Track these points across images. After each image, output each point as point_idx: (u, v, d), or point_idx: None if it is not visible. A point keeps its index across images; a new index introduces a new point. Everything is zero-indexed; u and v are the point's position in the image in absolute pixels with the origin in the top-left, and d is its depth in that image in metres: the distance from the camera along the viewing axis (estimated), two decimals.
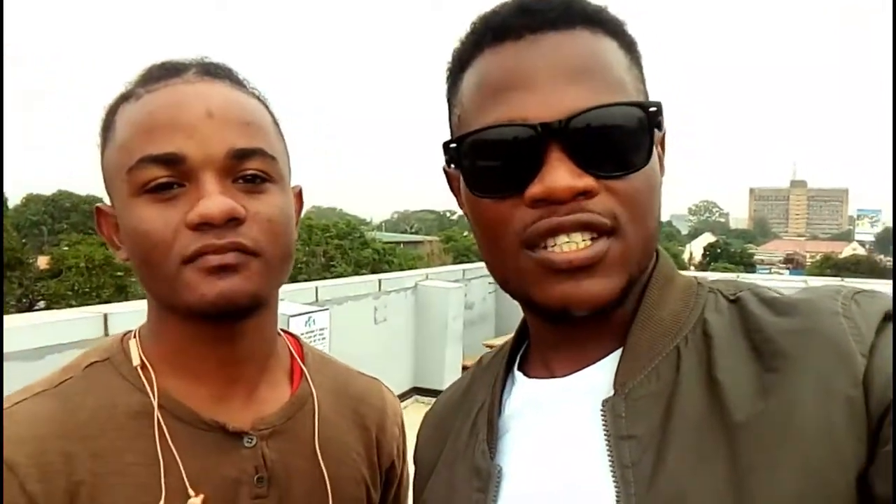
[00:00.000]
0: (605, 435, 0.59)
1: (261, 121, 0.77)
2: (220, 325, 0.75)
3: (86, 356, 0.80)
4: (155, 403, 0.75)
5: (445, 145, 0.67)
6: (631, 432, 0.58)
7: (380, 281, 6.48)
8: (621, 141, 0.59)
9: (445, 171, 0.73)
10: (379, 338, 6.15)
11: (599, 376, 0.63)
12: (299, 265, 22.49)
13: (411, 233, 71.70)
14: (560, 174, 0.57)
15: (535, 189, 0.58)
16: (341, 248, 24.27)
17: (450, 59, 0.69)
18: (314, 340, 4.54)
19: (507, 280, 0.65)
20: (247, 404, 0.81)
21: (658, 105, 0.61)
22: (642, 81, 0.65)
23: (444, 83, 0.70)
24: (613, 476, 0.57)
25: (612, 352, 0.64)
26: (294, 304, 4.76)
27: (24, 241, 27.07)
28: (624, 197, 0.59)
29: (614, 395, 0.60)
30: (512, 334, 0.79)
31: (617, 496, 0.56)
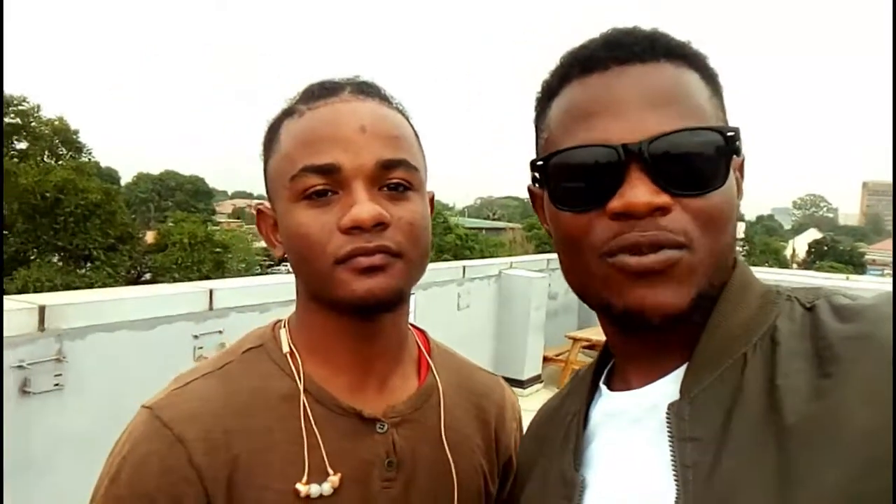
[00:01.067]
0: (668, 437, 0.62)
1: (406, 134, 0.85)
2: (364, 320, 0.83)
3: (242, 342, 0.90)
4: (301, 388, 0.83)
5: (533, 163, 0.71)
6: (693, 434, 0.61)
7: (464, 267, 6.53)
8: (698, 163, 0.63)
9: (530, 190, 0.79)
10: (462, 324, 6.20)
11: (671, 387, 0.66)
12: None
13: (494, 219, 71.31)
14: (640, 191, 0.61)
15: (615, 203, 0.62)
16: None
17: (539, 89, 0.75)
18: None
19: (585, 288, 0.69)
20: (380, 393, 0.88)
21: (735, 130, 0.65)
22: (722, 110, 0.69)
23: (533, 111, 0.76)
24: (675, 476, 0.60)
25: (683, 363, 0.66)
26: None
27: (133, 216, 29.01)
28: (698, 215, 0.63)
29: (680, 399, 0.63)
30: (593, 327, 0.83)
31: (677, 495, 0.59)
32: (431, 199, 0.92)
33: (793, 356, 0.59)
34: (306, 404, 0.82)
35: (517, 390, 5.68)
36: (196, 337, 3.76)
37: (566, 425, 0.78)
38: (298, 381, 0.83)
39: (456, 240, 25.84)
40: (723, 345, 0.64)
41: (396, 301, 0.82)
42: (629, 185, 0.62)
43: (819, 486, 0.52)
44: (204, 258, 21.77)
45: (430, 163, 0.91)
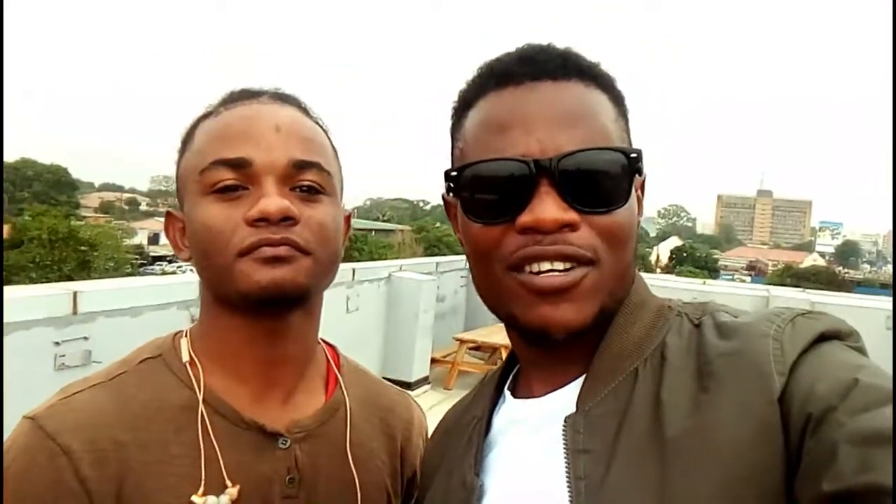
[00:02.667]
0: (564, 448, 0.64)
1: (321, 141, 0.86)
2: (267, 319, 0.82)
3: (140, 351, 0.86)
4: (200, 399, 0.80)
5: (447, 174, 0.73)
6: (587, 447, 0.63)
7: (354, 270, 6.44)
8: (604, 181, 0.66)
9: (444, 199, 0.79)
10: (351, 327, 6.13)
11: (569, 397, 0.68)
12: None
13: (383, 220, 71.43)
14: (548, 207, 0.64)
15: (524, 218, 0.65)
16: None
17: (455, 98, 0.76)
18: None
19: (493, 300, 0.71)
20: (283, 407, 0.86)
21: (638, 152, 0.68)
22: (627, 132, 0.72)
23: (450, 120, 0.77)
24: (569, 487, 0.62)
25: (583, 374, 0.69)
26: None
27: None
28: (603, 231, 0.65)
29: (575, 412, 0.66)
30: (479, 328, 0.85)
31: None
32: (348, 218, 0.93)
33: (678, 372, 0.63)
34: (205, 415, 0.80)
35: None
36: (57, 344, 3.44)
37: (469, 430, 0.79)
38: (198, 392, 0.81)
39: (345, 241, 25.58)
40: (617, 360, 0.67)
41: (300, 297, 0.80)
42: (538, 200, 0.64)
43: (693, 497, 0.55)
44: (67, 256, 20.19)
45: None
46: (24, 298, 3.46)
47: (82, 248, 20.19)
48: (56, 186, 51.52)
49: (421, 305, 6.82)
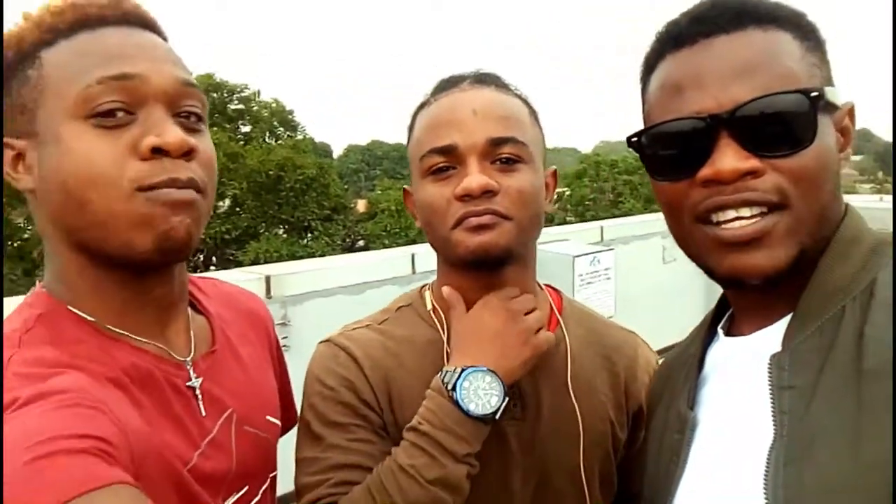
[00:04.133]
0: (769, 384, 0.67)
1: (517, 115, 0.98)
2: (484, 275, 0.97)
3: (397, 302, 1.10)
4: (444, 337, 1.01)
5: (628, 139, 0.78)
6: (791, 383, 0.65)
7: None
8: (784, 124, 0.66)
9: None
10: (667, 278, 5.88)
11: (776, 335, 0.70)
12: (587, 202, 22.37)
13: None
14: (727, 158, 0.66)
15: (705, 171, 0.68)
16: (630, 184, 23.43)
17: (642, 63, 0.80)
18: (599, 281, 4.51)
19: (689, 251, 0.76)
20: None
21: (819, 90, 0.67)
22: (820, 66, 0.71)
23: (639, 83, 0.82)
24: (774, 421, 0.65)
25: (790, 313, 0.70)
26: (579, 243, 4.76)
27: (346, 187, 31.47)
28: (790, 174, 0.66)
29: (781, 350, 0.68)
30: None
31: (773, 438, 0.65)
32: (553, 174, 1.05)
33: (885, 307, 0.62)
34: (446, 346, 0.99)
35: None
36: None
37: (687, 367, 0.84)
38: (441, 331, 1.01)
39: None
40: (825, 298, 0.67)
41: (506, 257, 0.94)
42: (718, 153, 0.66)
43: (887, 424, 0.56)
44: (411, 223, 22.95)
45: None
46: (375, 262, 4.06)
47: None
48: (400, 162, 59.00)
49: None
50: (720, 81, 0.68)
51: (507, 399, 0.89)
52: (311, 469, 0.93)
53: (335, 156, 57.45)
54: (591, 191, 22.63)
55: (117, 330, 0.78)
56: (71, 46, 0.75)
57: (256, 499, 0.89)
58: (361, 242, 23.73)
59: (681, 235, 0.75)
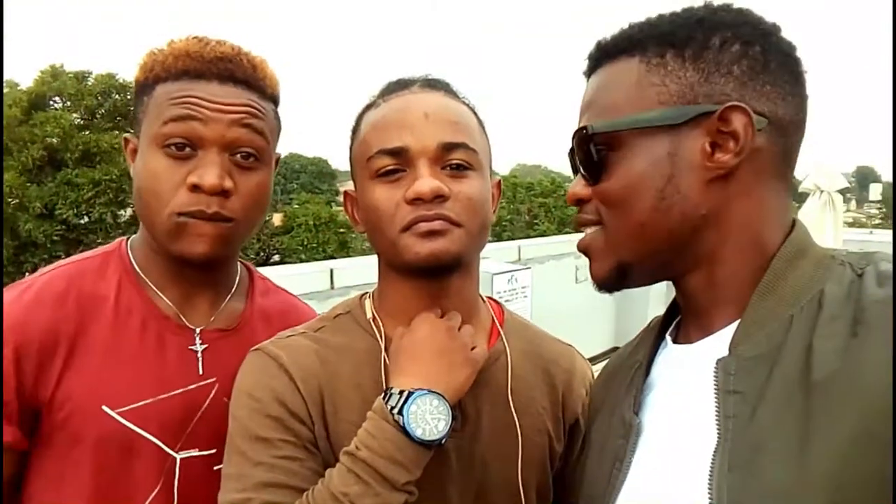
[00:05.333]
0: (714, 389, 0.68)
1: (467, 121, 0.96)
2: (430, 282, 0.95)
3: (335, 309, 1.06)
4: (382, 345, 0.98)
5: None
6: (737, 388, 0.66)
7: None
8: (582, 158, 0.77)
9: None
10: (580, 297, 6.08)
11: (724, 341, 0.71)
12: (503, 223, 22.76)
13: None
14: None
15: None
16: (545, 206, 24.10)
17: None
18: (516, 298, 4.63)
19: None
20: None
21: (585, 127, 0.75)
22: (664, 83, 0.72)
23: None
24: (718, 425, 0.66)
25: (738, 320, 0.71)
26: (497, 262, 4.87)
27: None
28: (602, 199, 0.78)
29: (728, 355, 0.69)
30: None
31: (717, 442, 0.66)
32: (497, 184, 1.03)
33: (833, 320, 0.63)
34: (386, 356, 0.96)
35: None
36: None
37: (632, 373, 0.85)
38: (379, 340, 0.98)
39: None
40: (773, 306, 0.68)
41: (456, 264, 0.93)
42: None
43: (834, 435, 0.57)
44: (328, 239, 22.62)
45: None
46: (291, 276, 4.01)
47: (341, 230, 22.53)
48: (319, 177, 58.08)
49: None
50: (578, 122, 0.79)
51: (453, 422, 0.87)
52: (236, 486, 0.88)
53: None
54: (507, 212, 23.09)
55: (151, 284, 1.06)
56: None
57: (219, 466, 0.95)
58: (277, 257, 23.16)
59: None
